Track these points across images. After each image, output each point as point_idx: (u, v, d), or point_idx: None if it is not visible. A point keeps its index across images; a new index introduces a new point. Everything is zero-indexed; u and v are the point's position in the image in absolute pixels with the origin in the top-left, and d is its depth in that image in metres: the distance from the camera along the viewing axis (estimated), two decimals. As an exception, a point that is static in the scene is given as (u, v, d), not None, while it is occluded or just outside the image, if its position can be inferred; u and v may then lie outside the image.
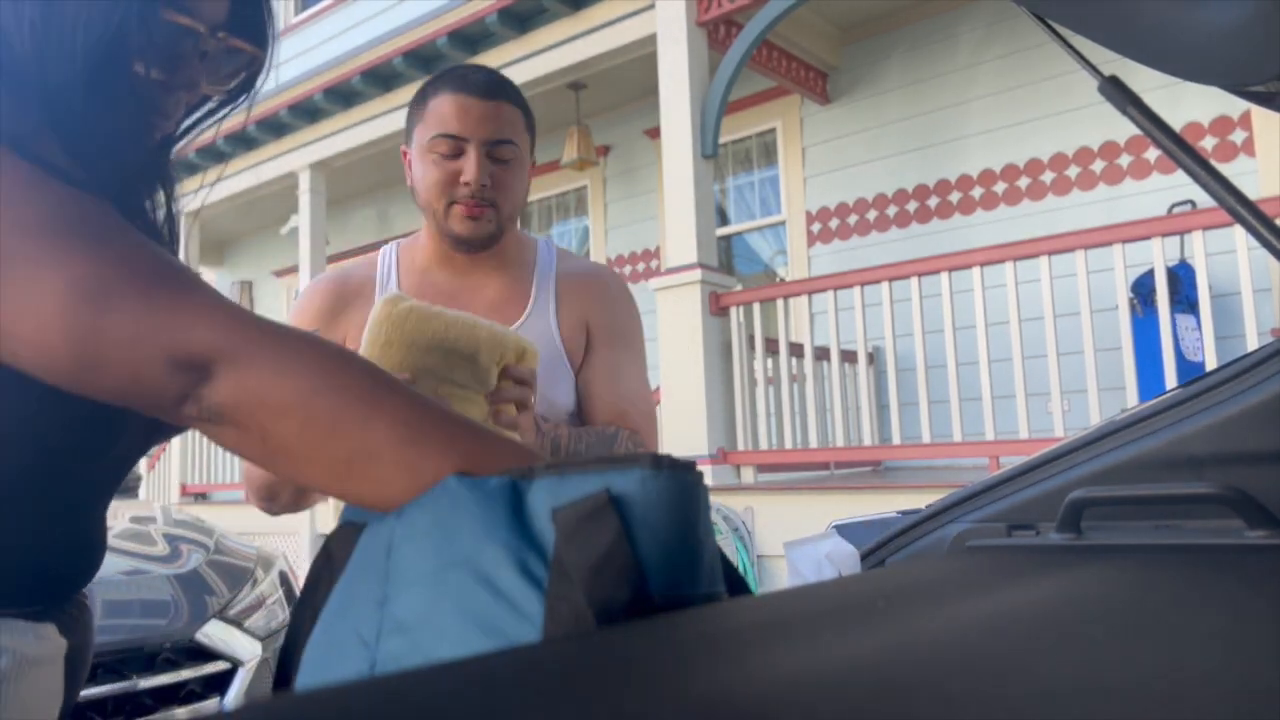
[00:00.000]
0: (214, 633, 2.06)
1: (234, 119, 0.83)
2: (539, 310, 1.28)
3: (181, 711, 1.92)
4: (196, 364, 0.58)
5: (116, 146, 0.72)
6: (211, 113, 0.82)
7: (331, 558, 0.68)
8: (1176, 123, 4.71)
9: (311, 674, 0.63)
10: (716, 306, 4.50)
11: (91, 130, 0.69)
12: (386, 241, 1.56)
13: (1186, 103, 4.67)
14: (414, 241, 1.33)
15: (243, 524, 5.85)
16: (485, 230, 1.23)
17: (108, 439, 0.76)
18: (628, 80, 6.14)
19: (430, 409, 0.60)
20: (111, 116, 0.71)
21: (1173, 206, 4.66)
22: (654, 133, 6.40)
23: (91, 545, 0.81)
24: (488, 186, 1.20)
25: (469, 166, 1.19)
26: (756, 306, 4.50)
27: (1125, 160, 4.91)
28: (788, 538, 4.04)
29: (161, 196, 0.83)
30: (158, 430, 0.78)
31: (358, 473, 0.59)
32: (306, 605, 0.69)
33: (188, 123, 0.81)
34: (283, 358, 0.59)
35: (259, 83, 0.82)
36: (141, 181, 0.80)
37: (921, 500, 1.07)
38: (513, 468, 0.59)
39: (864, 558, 0.93)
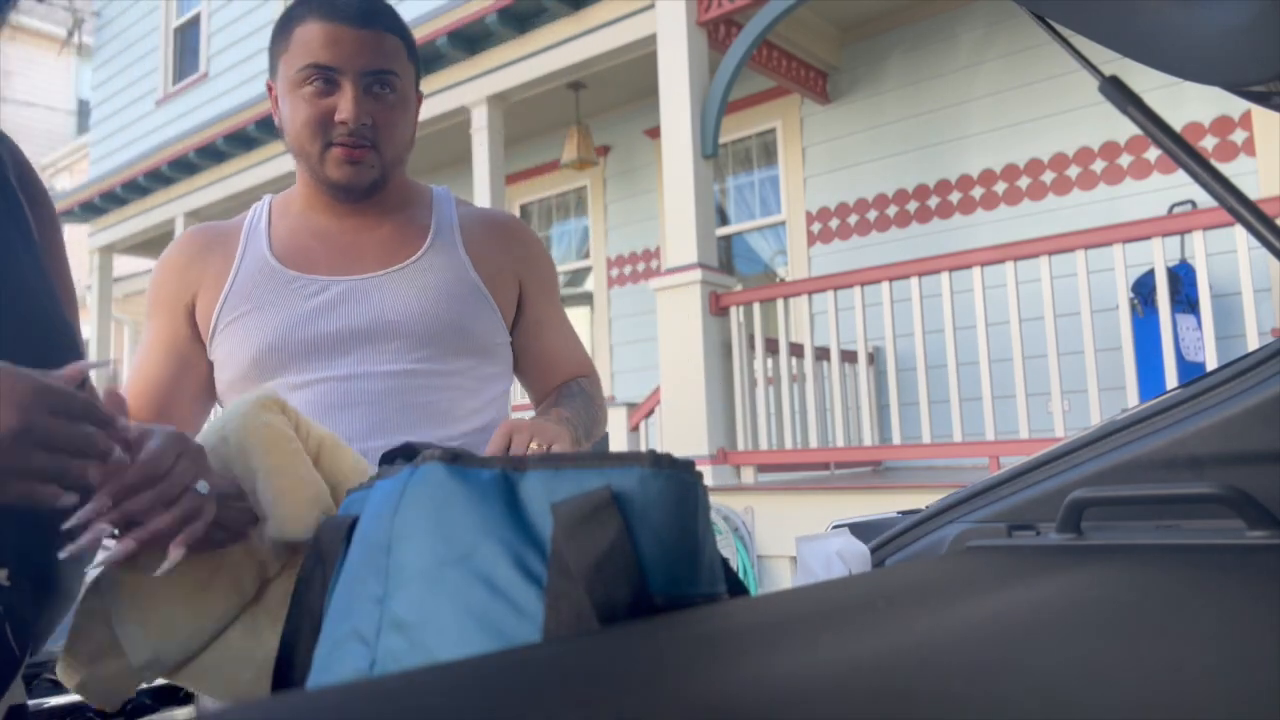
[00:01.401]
0: (214, 633, 2.06)
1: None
2: (442, 245, 1.16)
3: (181, 712, 1.92)
4: None
5: None
6: None
7: (322, 556, 0.68)
8: (1177, 123, 4.71)
9: (311, 672, 0.63)
10: (716, 306, 4.50)
11: None
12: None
13: (1186, 103, 4.67)
14: (289, 191, 1.22)
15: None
16: (367, 177, 1.10)
17: None
18: (628, 80, 6.14)
19: None
20: None
21: (1173, 206, 4.66)
22: (654, 133, 6.40)
23: None
24: (368, 126, 1.07)
25: (345, 103, 1.05)
26: (756, 306, 4.50)
27: (1126, 160, 4.91)
28: (788, 538, 4.04)
29: None
30: None
31: None
32: (301, 604, 0.69)
33: None
34: None
35: None
36: None
37: (921, 500, 1.08)
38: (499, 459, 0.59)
39: (864, 558, 0.92)
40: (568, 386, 1.22)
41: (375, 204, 1.16)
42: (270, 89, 1.15)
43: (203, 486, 0.73)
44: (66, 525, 0.66)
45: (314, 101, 1.06)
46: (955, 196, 5.45)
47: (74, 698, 1.75)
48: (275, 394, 0.88)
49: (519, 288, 1.22)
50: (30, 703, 1.68)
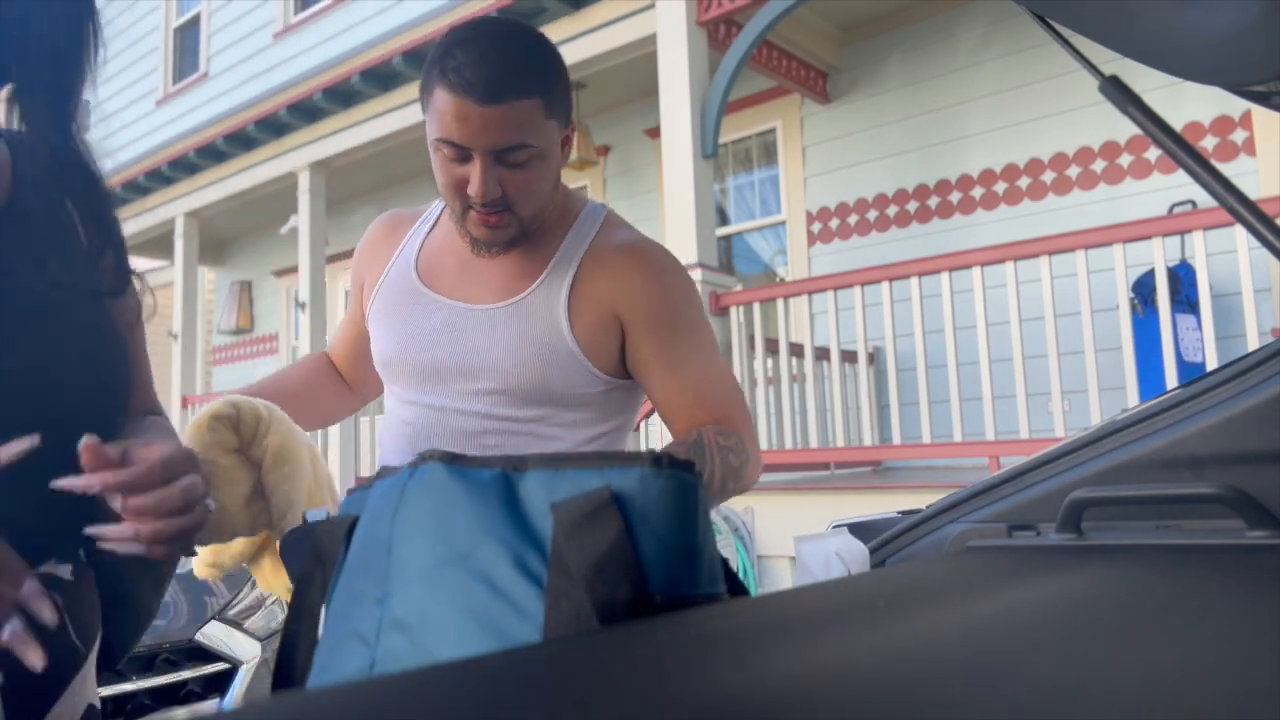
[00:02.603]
0: (214, 633, 2.06)
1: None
2: (550, 285, 1.12)
3: (181, 712, 1.92)
4: None
5: None
6: None
7: (322, 556, 0.68)
8: (1177, 123, 4.71)
9: (311, 672, 0.63)
10: (717, 306, 4.50)
11: None
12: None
13: (1187, 103, 4.67)
14: None
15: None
16: (504, 236, 1.10)
17: None
18: (628, 80, 6.14)
19: None
20: None
21: (1173, 206, 4.66)
22: (654, 132, 6.39)
23: None
24: (500, 196, 1.06)
25: (475, 179, 1.04)
26: (756, 306, 4.50)
27: (1126, 160, 4.91)
28: (788, 538, 4.04)
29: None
30: None
31: None
32: (301, 605, 0.69)
33: None
34: None
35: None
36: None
37: (921, 500, 1.07)
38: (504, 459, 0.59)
39: (864, 558, 0.92)
40: (688, 435, 1.08)
41: None
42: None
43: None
44: (89, 530, 0.72)
45: (449, 169, 1.06)
46: (955, 196, 5.44)
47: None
48: (234, 400, 1.01)
49: (620, 327, 1.13)
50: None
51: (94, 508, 0.74)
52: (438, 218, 1.25)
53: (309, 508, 1.02)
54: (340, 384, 1.38)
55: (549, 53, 1.08)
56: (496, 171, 1.04)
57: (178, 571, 2.42)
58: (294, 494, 1.02)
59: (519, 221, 1.09)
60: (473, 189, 1.04)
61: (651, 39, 4.95)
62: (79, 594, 0.83)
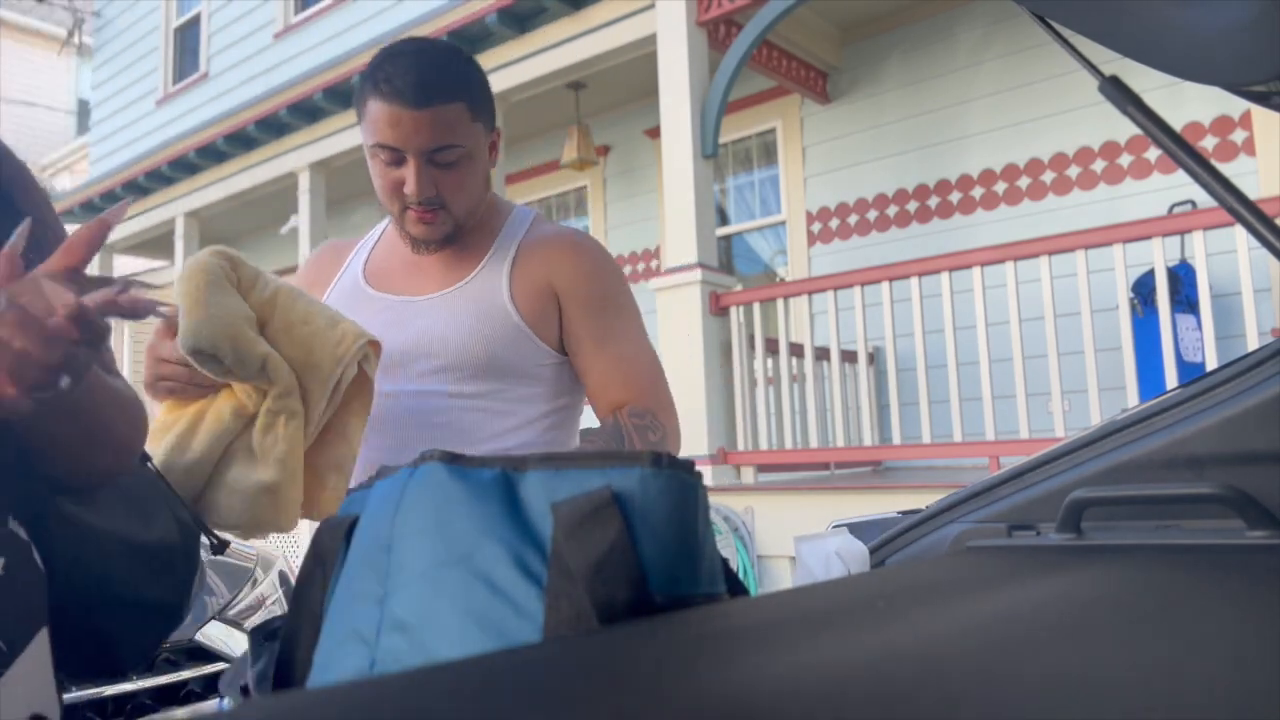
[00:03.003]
0: (214, 633, 2.06)
1: None
2: (490, 271, 1.23)
3: (181, 712, 1.91)
4: None
5: None
6: None
7: (322, 556, 0.68)
8: (1177, 123, 4.71)
9: (311, 672, 0.63)
10: (716, 306, 4.50)
11: None
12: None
13: (1187, 103, 4.67)
14: None
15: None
16: (440, 232, 1.19)
17: None
18: (628, 80, 6.14)
19: None
20: None
21: (1173, 206, 4.65)
22: (654, 133, 6.39)
23: None
24: (434, 194, 1.16)
25: (410, 179, 1.14)
26: (756, 306, 4.50)
27: (1126, 160, 4.91)
28: (788, 538, 4.04)
29: None
30: None
31: None
32: (300, 604, 0.69)
33: None
34: None
35: None
36: None
37: (921, 500, 1.07)
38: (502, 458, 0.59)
39: (864, 558, 0.92)
40: (602, 425, 1.19)
41: None
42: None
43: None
44: None
45: (386, 172, 1.16)
46: (955, 196, 5.44)
47: (77, 695, 1.75)
48: (228, 249, 1.02)
49: (558, 304, 1.23)
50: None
51: (24, 481, 0.68)
52: (380, 235, 1.33)
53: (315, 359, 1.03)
54: None
55: (471, 64, 1.19)
56: (430, 171, 1.14)
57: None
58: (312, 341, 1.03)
59: (453, 218, 1.19)
60: (408, 188, 1.14)
61: (651, 39, 4.95)
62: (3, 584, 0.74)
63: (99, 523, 0.85)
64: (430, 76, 1.11)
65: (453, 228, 1.20)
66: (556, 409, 1.25)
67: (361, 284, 1.27)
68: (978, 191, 5.37)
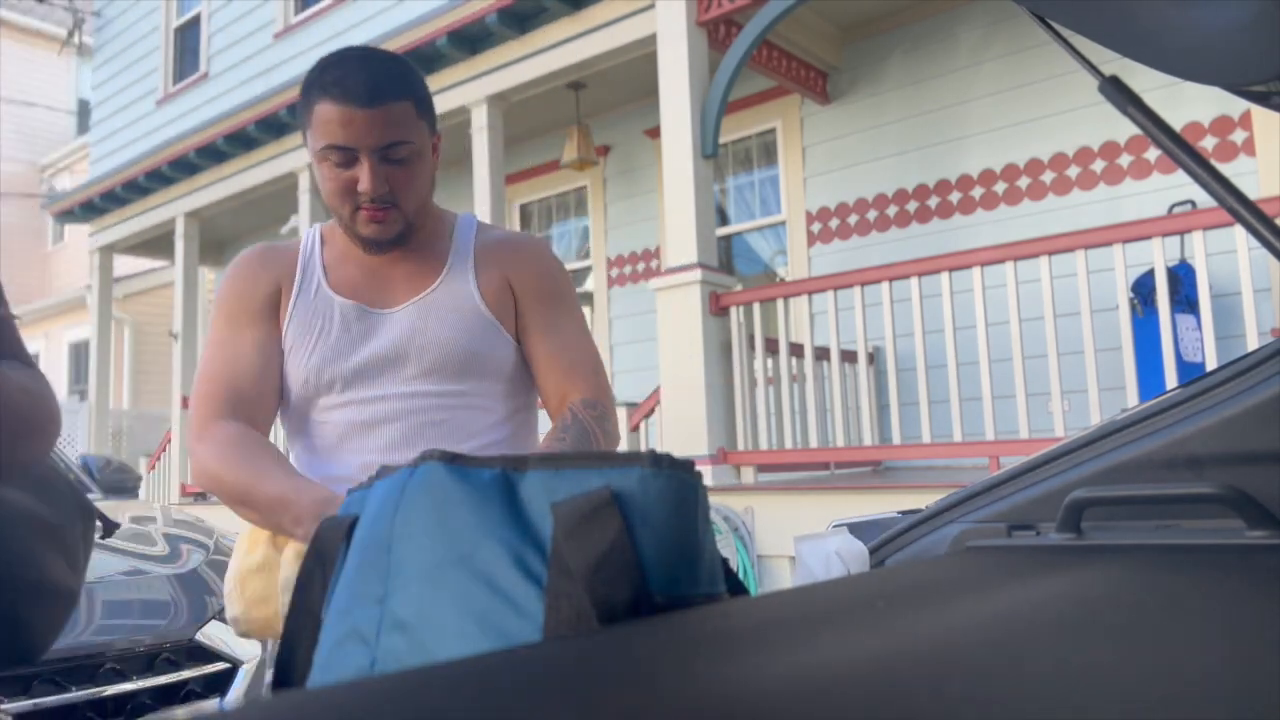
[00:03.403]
0: (214, 633, 2.06)
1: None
2: (455, 274, 1.29)
3: (181, 711, 1.91)
4: None
5: None
6: None
7: (322, 556, 0.68)
8: (1177, 123, 4.71)
9: (312, 672, 0.63)
10: (716, 306, 4.50)
11: None
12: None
13: (1186, 103, 4.67)
14: (334, 222, 1.32)
15: (243, 524, 5.85)
16: (393, 231, 1.22)
17: None
18: (628, 80, 6.14)
19: None
20: None
21: (1173, 206, 4.66)
22: (654, 133, 6.40)
23: None
24: (387, 191, 1.19)
25: (363, 177, 1.17)
26: (756, 306, 4.50)
27: (1125, 160, 4.91)
28: (788, 538, 4.04)
29: None
30: None
31: None
32: (301, 604, 0.69)
33: None
34: None
35: None
36: None
37: (921, 500, 1.08)
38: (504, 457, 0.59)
39: (864, 558, 0.92)
40: (563, 420, 1.23)
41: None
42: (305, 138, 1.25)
43: None
44: None
45: (337, 174, 1.18)
46: (955, 196, 5.45)
47: (77, 695, 1.75)
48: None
49: (512, 294, 1.30)
50: (28, 704, 1.68)
51: None
52: (321, 244, 1.32)
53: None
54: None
55: (412, 67, 1.23)
56: (382, 169, 1.18)
57: (178, 572, 2.42)
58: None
59: (403, 216, 1.22)
60: (362, 186, 1.17)
61: (651, 39, 4.95)
62: None
63: (16, 501, 0.85)
64: (378, 77, 1.16)
65: (404, 226, 1.23)
66: (526, 405, 1.34)
67: (330, 294, 1.27)
68: (978, 191, 5.37)
